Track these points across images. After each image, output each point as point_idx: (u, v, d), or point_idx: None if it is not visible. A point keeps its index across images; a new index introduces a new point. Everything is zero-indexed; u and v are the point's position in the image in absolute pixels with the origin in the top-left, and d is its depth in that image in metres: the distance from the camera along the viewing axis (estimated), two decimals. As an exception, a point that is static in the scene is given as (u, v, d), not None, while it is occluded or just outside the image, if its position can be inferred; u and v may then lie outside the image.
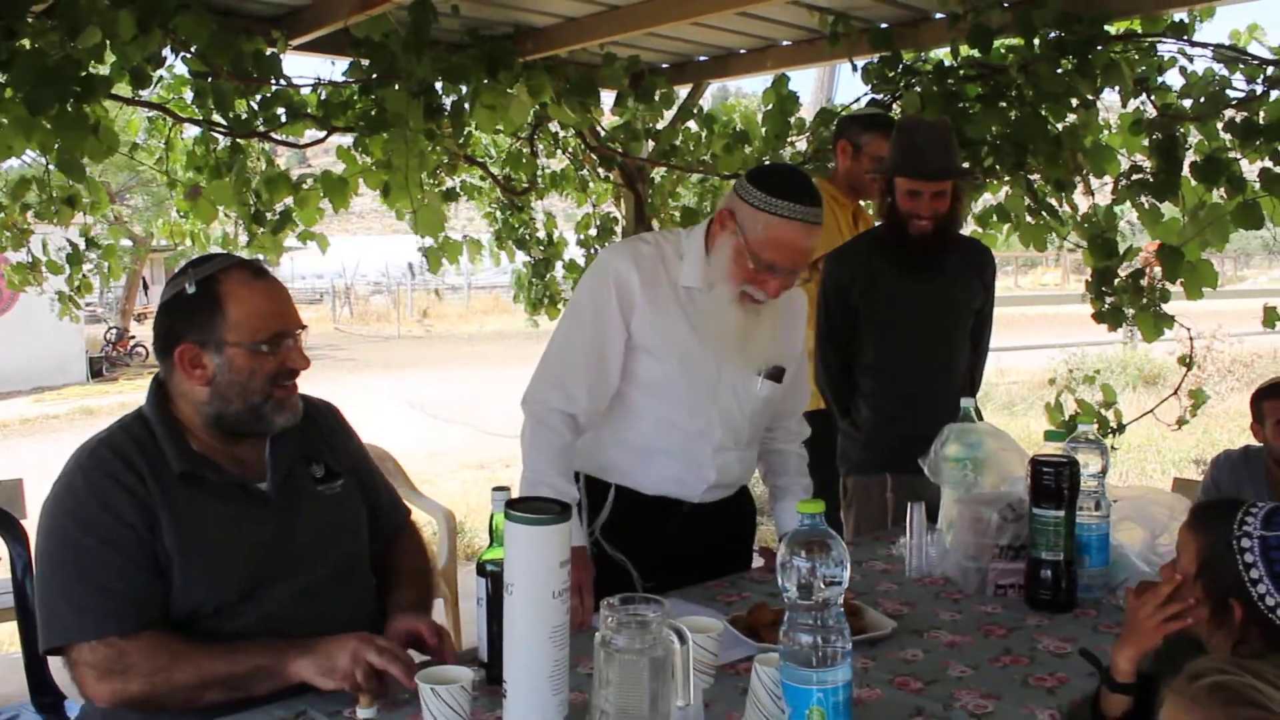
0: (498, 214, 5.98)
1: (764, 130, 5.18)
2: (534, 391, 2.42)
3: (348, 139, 4.73)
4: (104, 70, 3.81)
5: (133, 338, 21.11)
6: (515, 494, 1.82)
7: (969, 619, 2.22)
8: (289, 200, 4.71)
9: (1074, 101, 4.20)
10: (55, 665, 2.40)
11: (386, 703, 1.78)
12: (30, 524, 2.33)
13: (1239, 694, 1.23)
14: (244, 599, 1.88)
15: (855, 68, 4.63)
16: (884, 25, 4.54)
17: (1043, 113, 4.19)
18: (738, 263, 2.27)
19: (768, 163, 4.92)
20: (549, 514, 1.57)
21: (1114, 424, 4.37)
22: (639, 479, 2.50)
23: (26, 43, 3.47)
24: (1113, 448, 3.45)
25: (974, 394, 3.36)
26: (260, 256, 4.55)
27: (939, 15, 4.38)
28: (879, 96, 4.64)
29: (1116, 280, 4.21)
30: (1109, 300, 4.22)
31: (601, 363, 2.39)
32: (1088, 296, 4.33)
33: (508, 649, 1.61)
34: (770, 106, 5.08)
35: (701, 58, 5.33)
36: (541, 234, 6.10)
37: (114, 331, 20.92)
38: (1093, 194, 4.42)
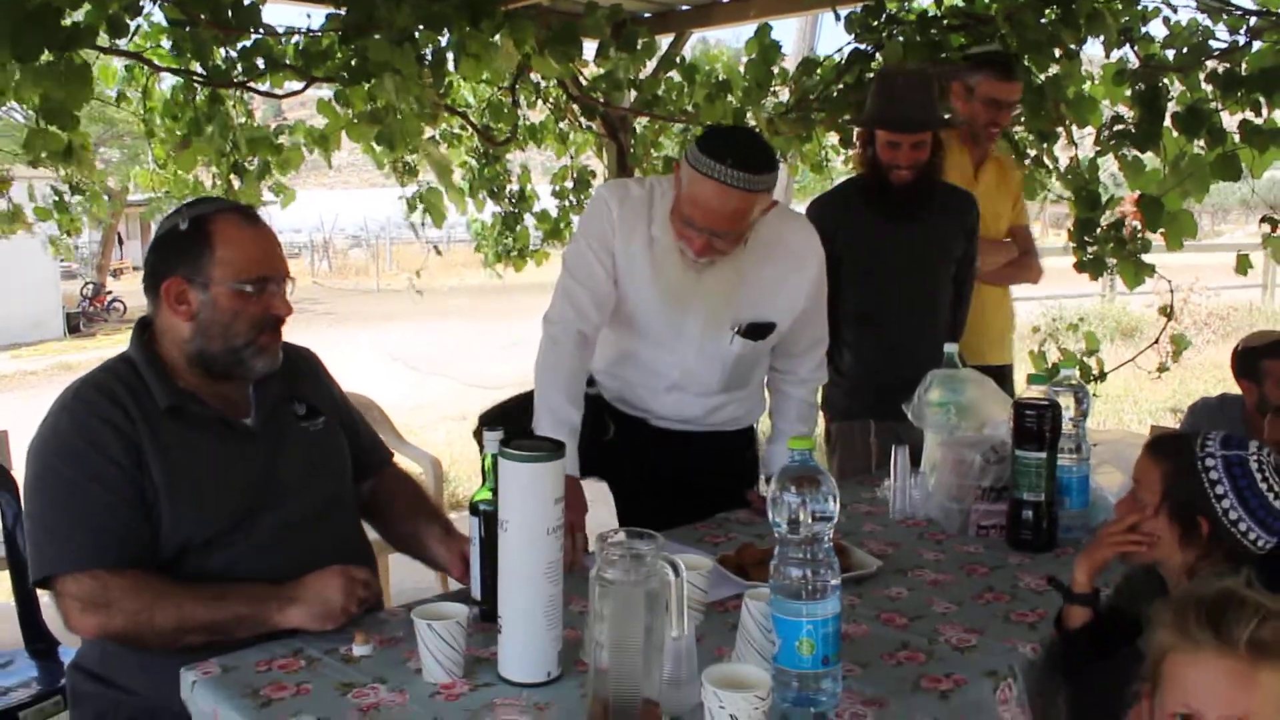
0: (473, 163, 5.94)
1: (746, 80, 5.16)
2: (552, 310, 2.50)
3: (327, 91, 4.69)
4: (79, 18, 3.76)
5: (109, 293, 20.95)
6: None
7: (952, 558, 2.26)
8: (269, 157, 4.68)
9: (1057, 52, 4.21)
10: (48, 614, 2.42)
11: (382, 639, 1.80)
12: (18, 474, 2.35)
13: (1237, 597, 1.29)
14: (233, 529, 1.91)
15: (838, 17, 4.61)
16: (868, -27, 4.52)
17: (1026, 63, 4.20)
18: (673, 215, 2.33)
19: (750, 120, 4.92)
20: (543, 451, 1.59)
21: (1095, 371, 4.42)
22: (601, 387, 2.66)
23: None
24: (1095, 395, 3.50)
25: (956, 339, 3.32)
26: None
27: (923, -36, 4.37)
28: (862, 46, 4.63)
29: (1098, 230, 4.24)
30: (1091, 250, 4.25)
31: (598, 282, 2.46)
32: (1069, 247, 4.37)
33: (503, 585, 1.63)
34: (753, 56, 5.07)
35: (684, 7, 5.29)
36: (515, 186, 6.05)
37: (90, 287, 20.76)
38: (1075, 145, 4.43)
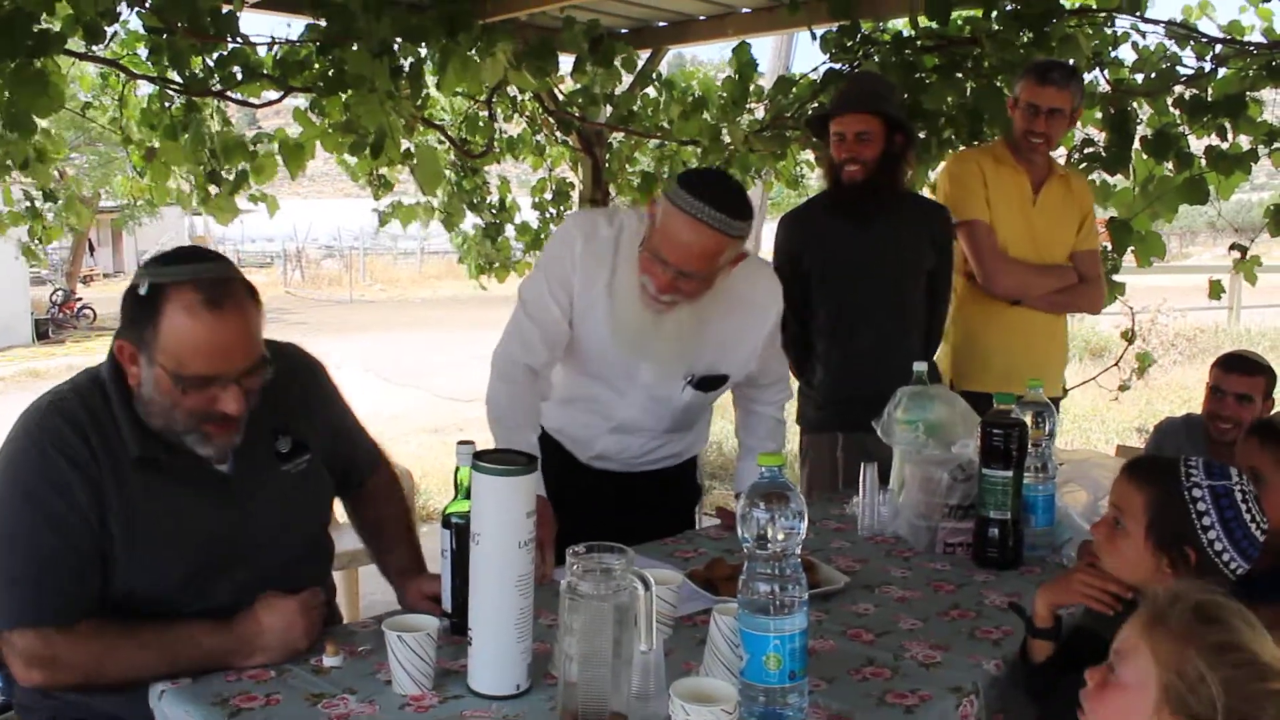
0: (450, 177, 5.95)
1: (722, 97, 5.20)
2: (500, 347, 2.48)
3: (303, 100, 4.69)
4: (56, 25, 3.76)
5: (79, 300, 20.78)
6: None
7: (919, 575, 2.28)
8: (244, 164, 4.68)
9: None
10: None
11: (352, 650, 1.81)
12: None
13: (1217, 615, 1.30)
14: (187, 588, 1.82)
15: (814, 36, 4.66)
16: (843, -6, 4.56)
17: (999, 84, 4.26)
18: (642, 249, 2.29)
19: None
20: (516, 465, 1.60)
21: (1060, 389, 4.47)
22: (548, 421, 2.62)
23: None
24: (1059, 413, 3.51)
25: (928, 357, 3.32)
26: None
27: (898, -14, 4.41)
28: (837, 65, 4.68)
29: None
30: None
31: (552, 320, 2.43)
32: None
33: (474, 598, 1.64)
34: (730, 73, 5.11)
35: (661, 23, 5.33)
36: (495, 198, 6.07)
37: (60, 293, 20.59)
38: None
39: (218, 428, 1.79)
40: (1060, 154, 4.44)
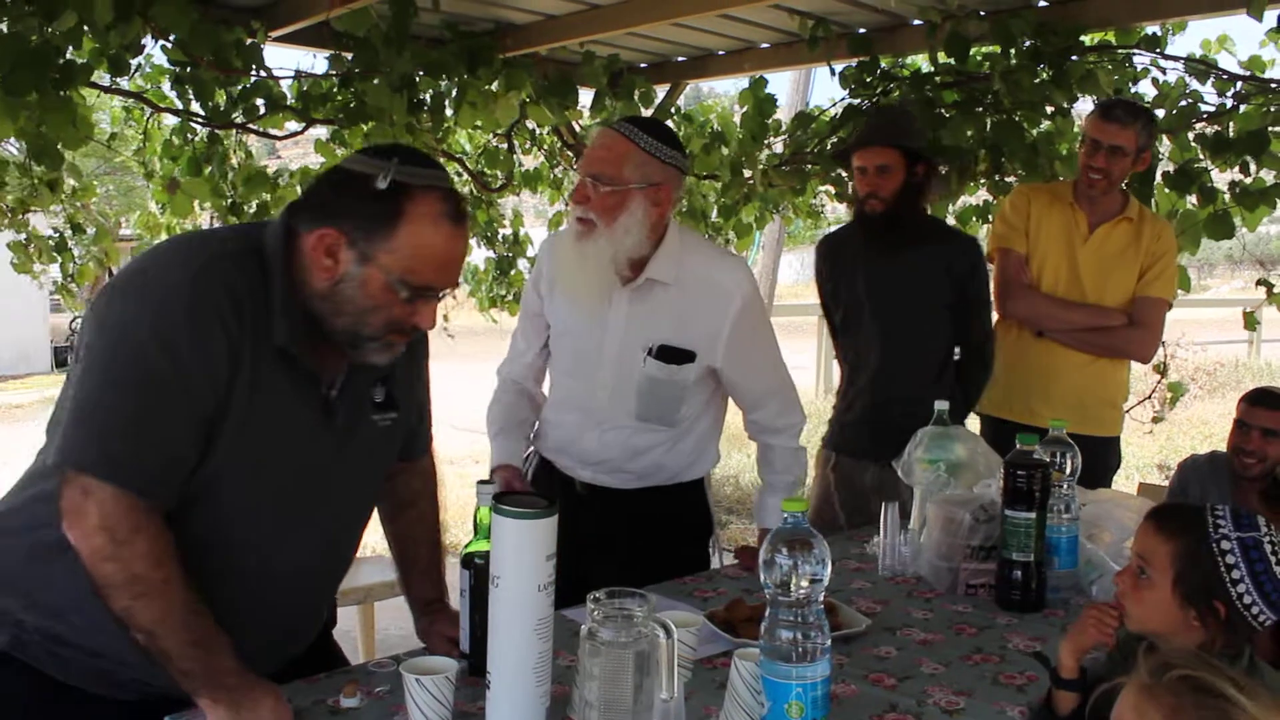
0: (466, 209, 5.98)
1: (741, 132, 5.22)
2: (506, 357, 2.74)
3: (324, 131, 4.73)
4: (83, 58, 3.80)
5: (99, 327, 20.85)
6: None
7: (940, 617, 2.25)
8: (266, 196, 4.71)
9: (1049, 109, 4.27)
10: None
11: (369, 691, 1.79)
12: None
13: (1206, 686, 1.27)
14: (274, 521, 1.74)
15: (833, 72, 4.67)
16: (862, 31, 4.58)
17: (1018, 119, 4.26)
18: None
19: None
20: (536, 508, 1.59)
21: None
22: (540, 443, 2.71)
23: (5, 26, 3.45)
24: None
25: (966, 396, 3.35)
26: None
27: (917, 22, 4.43)
28: (856, 101, 4.69)
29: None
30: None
31: (531, 309, 2.66)
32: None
33: (493, 641, 1.63)
34: (747, 108, 5.13)
35: (680, 58, 5.36)
36: (508, 231, 6.08)
37: (79, 321, 20.70)
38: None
39: (401, 338, 1.74)
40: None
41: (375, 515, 2.07)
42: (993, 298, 3.48)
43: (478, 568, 1.81)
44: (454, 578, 1.97)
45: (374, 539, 6.61)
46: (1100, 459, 2.71)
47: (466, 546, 1.87)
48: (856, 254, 3.37)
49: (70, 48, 3.63)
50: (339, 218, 1.64)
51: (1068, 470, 2.34)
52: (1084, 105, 4.32)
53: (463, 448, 10.06)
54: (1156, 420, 4.71)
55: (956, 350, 3.38)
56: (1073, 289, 3.45)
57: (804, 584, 1.49)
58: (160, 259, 1.70)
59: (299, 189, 4.72)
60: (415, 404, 2.02)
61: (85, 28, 3.55)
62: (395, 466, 2.03)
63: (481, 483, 1.85)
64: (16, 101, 3.45)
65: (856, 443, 3.26)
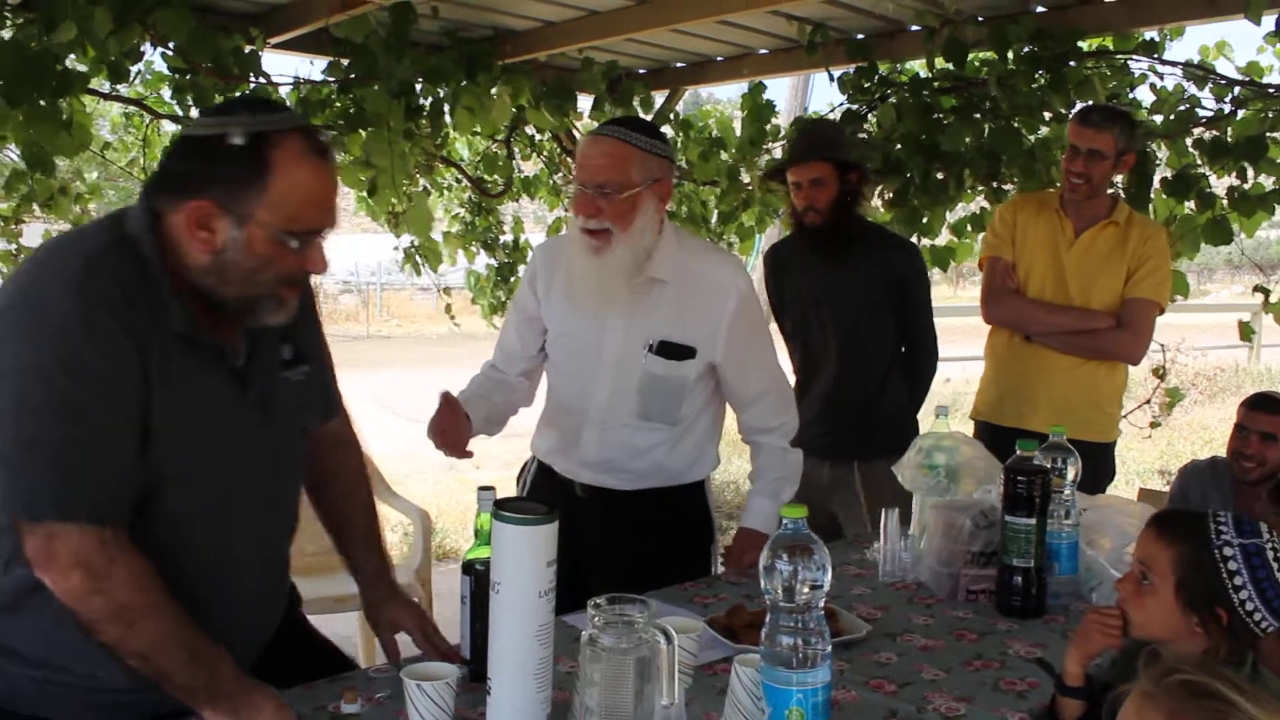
0: (465, 215, 5.97)
1: (740, 137, 5.22)
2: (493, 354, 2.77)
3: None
4: (83, 65, 3.80)
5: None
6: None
7: (941, 623, 2.25)
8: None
9: (1047, 115, 4.28)
10: None
11: (370, 697, 1.79)
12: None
13: (1207, 690, 1.27)
14: (220, 500, 1.71)
15: (832, 78, 4.68)
16: (861, 36, 4.59)
17: (1016, 125, 4.27)
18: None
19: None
20: (537, 514, 1.59)
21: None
22: (538, 447, 2.73)
23: (5, 34, 3.46)
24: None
25: (914, 401, 3.58)
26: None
27: (915, 28, 4.44)
28: (854, 106, 4.70)
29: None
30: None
31: (528, 321, 2.66)
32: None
33: (493, 647, 1.63)
34: (746, 114, 5.13)
35: (679, 64, 5.36)
36: (508, 237, 6.07)
37: None
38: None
39: (293, 291, 1.68)
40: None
41: None
42: (980, 304, 3.57)
43: (478, 574, 1.81)
44: (455, 584, 1.97)
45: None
46: (1091, 465, 2.69)
47: (467, 553, 1.87)
48: (802, 264, 3.54)
49: (70, 55, 3.63)
50: (204, 187, 1.57)
51: (1069, 476, 2.34)
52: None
53: (462, 454, 10.05)
54: (1154, 425, 4.72)
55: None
56: (1059, 293, 3.47)
57: (805, 590, 1.48)
58: (35, 282, 1.60)
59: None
60: (323, 354, 1.98)
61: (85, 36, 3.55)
62: (315, 432, 1.99)
63: (482, 489, 1.84)
64: (15, 110, 3.46)
65: (813, 443, 3.21)
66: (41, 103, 3.54)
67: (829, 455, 3.47)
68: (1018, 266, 3.52)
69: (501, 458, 8.48)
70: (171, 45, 3.89)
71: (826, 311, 3.51)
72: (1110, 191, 3.54)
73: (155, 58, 4.14)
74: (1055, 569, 2.34)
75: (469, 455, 2.40)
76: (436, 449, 2.39)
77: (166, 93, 4.47)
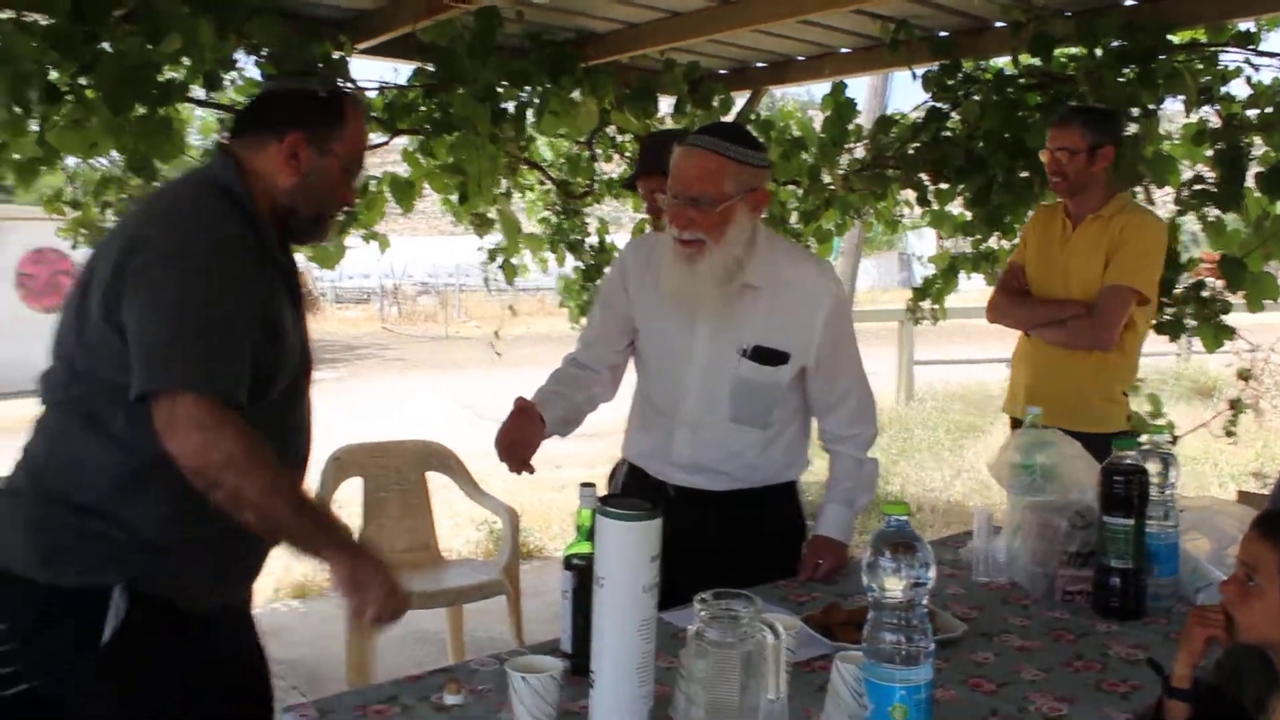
0: (551, 218, 6.02)
1: (821, 136, 5.21)
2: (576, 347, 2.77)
3: (409, 141, 4.80)
4: (180, 74, 3.91)
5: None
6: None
7: (1038, 624, 2.24)
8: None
9: (1135, 111, 4.20)
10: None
11: (473, 689, 1.83)
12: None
13: None
14: (285, 398, 1.98)
15: (915, 75, 4.65)
16: (944, 33, 4.56)
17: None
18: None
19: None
20: (641, 511, 1.61)
21: (1168, 435, 4.33)
22: (629, 450, 2.72)
23: (108, 45, 3.57)
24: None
25: None
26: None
27: (1000, 24, 4.39)
28: (939, 105, 4.66)
29: (1177, 291, 4.20)
30: (1169, 312, 4.20)
31: (617, 318, 2.67)
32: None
33: (597, 641, 1.65)
34: (828, 114, 5.11)
35: (760, 64, 5.37)
36: (593, 239, 6.12)
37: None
38: (1154, 204, 4.40)
39: (334, 218, 2.13)
40: (1168, 192, 4.37)
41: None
42: None
43: (579, 569, 1.84)
44: (540, 580, 2.00)
45: (460, 542, 6.67)
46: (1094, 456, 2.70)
47: (569, 548, 1.89)
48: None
49: (169, 65, 3.74)
50: (296, 124, 1.96)
51: (1169, 477, 2.30)
52: (1173, 105, 4.26)
53: (542, 452, 10.12)
54: (1229, 434, 4.59)
55: None
56: (1055, 288, 3.60)
57: (907, 587, 1.49)
58: (177, 197, 1.96)
59: (387, 193, 4.81)
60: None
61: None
62: None
63: (584, 485, 1.87)
64: (118, 118, 3.57)
65: None
66: (143, 111, 3.65)
67: None
68: (1027, 268, 3.70)
69: (581, 457, 8.56)
70: (264, 52, 3.99)
71: None
72: (1128, 189, 3.72)
73: (247, 64, 4.25)
74: (1155, 570, 2.30)
75: (530, 471, 2.41)
76: (500, 461, 2.39)
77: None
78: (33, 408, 1.93)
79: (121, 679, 1.82)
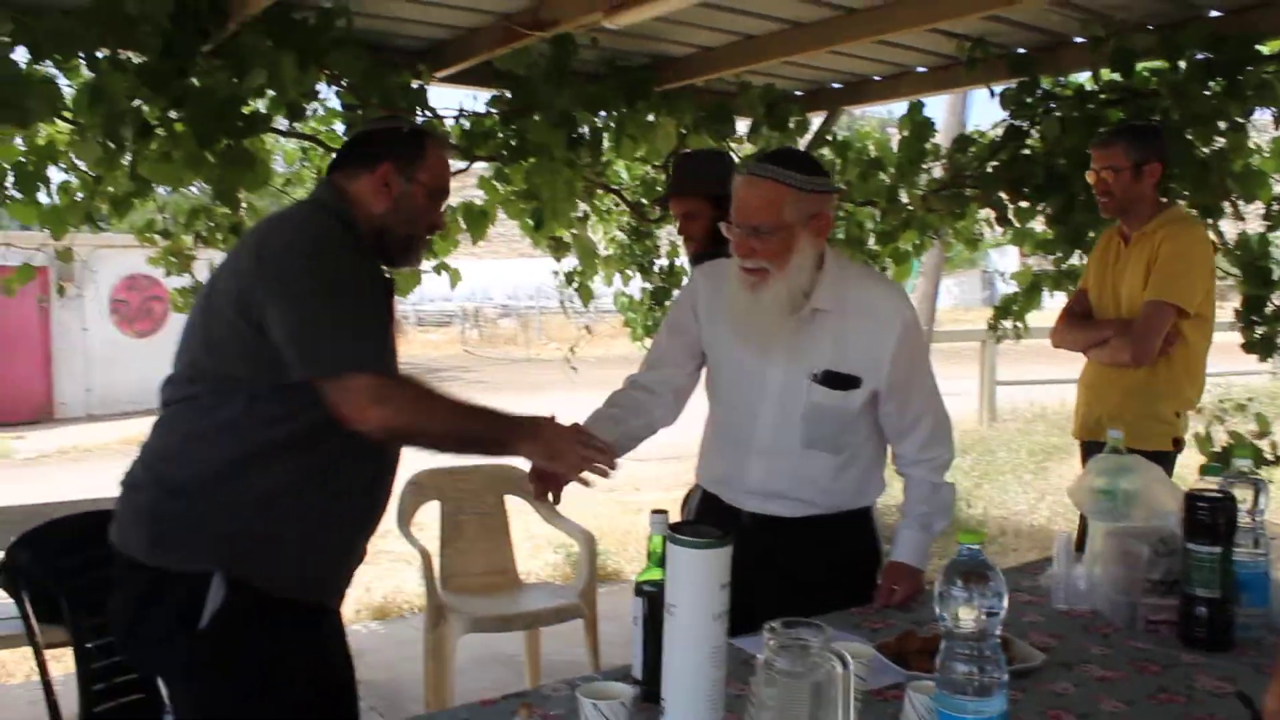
0: (623, 238, 6.05)
1: (898, 156, 5.17)
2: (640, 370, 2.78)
3: (487, 168, 4.87)
4: (263, 105, 4.01)
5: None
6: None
7: (1120, 654, 2.18)
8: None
9: (1221, 124, 4.11)
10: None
11: (545, 714, 1.84)
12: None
13: None
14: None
15: (993, 93, 4.60)
16: (1022, 51, 4.51)
17: (1188, 136, 4.11)
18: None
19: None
20: (712, 538, 1.61)
21: (1270, 455, 4.22)
22: (703, 476, 2.73)
23: (196, 81, 3.68)
24: (1269, 480, 3.33)
25: None
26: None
27: (1079, 39, 4.33)
28: (1017, 123, 4.61)
29: (1268, 309, 4.09)
30: (1260, 330, 4.10)
31: (685, 344, 2.67)
32: (1236, 325, 4.22)
33: (668, 668, 1.65)
34: (906, 133, 5.08)
35: (836, 85, 5.35)
36: (664, 261, 6.13)
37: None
38: (1243, 219, 4.30)
39: (428, 243, 2.49)
40: (1258, 207, 4.26)
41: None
42: None
43: (650, 595, 1.84)
44: (617, 604, 2.01)
45: (537, 565, 6.71)
46: None
47: (640, 575, 1.90)
48: None
49: (253, 98, 3.85)
50: (387, 156, 2.23)
51: (1260, 503, 2.24)
52: (1262, 117, 4.15)
53: (621, 475, 10.15)
54: None
55: None
56: (1113, 308, 3.61)
57: (980, 617, 1.47)
58: (295, 215, 2.25)
59: (461, 222, 4.87)
60: None
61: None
62: None
63: (655, 512, 1.88)
64: (205, 151, 3.68)
65: None
66: (229, 143, 3.76)
67: None
68: (1089, 291, 3.74)
69: (660, 480, 8.57)
70: (345, 82, 4.08)
71: None
72: (1166, 202, 3.65)
73: (328, 94, 4.35)
74: (1244, 600, 2.24)
75: (558, 500, 2.40)
76: (530, 483, 2.38)
77: (338, 127, 4.68)
78: (134, 427, 2.08)
79: (217, 662, 2.00)
